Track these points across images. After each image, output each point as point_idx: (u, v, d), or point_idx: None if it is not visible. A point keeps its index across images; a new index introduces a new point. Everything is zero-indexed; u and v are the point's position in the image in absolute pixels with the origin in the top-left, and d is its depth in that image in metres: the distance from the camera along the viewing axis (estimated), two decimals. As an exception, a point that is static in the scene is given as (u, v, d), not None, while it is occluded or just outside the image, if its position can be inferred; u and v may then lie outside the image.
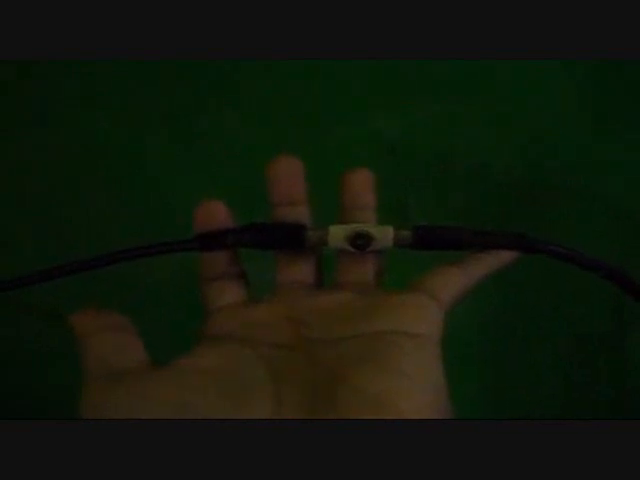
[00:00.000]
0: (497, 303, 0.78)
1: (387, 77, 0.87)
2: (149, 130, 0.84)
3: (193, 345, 0.29)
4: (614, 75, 0.89)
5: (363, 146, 0.84)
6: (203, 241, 0.30)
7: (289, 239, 0.31)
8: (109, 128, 0.83)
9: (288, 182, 0.31)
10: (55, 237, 0.78)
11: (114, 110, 0.84)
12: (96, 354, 0.27)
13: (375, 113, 0.86)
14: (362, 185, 0.32)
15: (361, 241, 0.30)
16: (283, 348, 0.28)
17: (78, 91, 0.85)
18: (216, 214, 0.30)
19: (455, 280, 0.30)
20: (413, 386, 0.26)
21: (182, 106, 0.84)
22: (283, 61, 0.81)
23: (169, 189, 0.81)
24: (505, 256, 0.31)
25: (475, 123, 0.86)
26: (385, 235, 0.31)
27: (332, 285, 0.32)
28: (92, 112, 0.83)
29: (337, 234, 0.30)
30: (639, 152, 0.86)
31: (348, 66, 0.84)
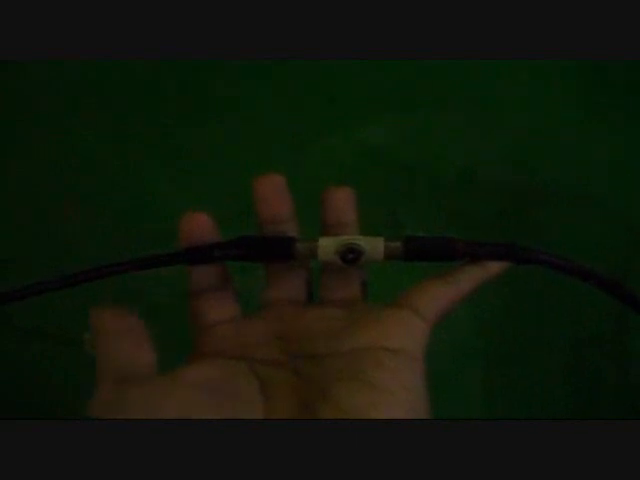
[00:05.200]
0: (500, 306, 0.78)
1: (372, 86, 0.86)
2: (133, 142, 0.83)
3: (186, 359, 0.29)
4: (600, 75, 0.88)
5: (349, 156, 0.83)
6: (192, 255, 0.30)
7: (279, 251, 0.30)
8: (94, 140, 0.82)
9: (274, 200, 0.31)
10: (45, 249, 0.77)
11: (98, 122, 0.83)
12: (110, 355, 0.27)
13: (360, 123, 0.85)
14: (344, 203, 0.32)
15: (352, 255, 0.30)
16: (273, 365, 0.28)
17: (60, 103, 0.83)
18: (201, 226, 0.30)
19: (441, 295, 0.30)
20: (393, 403, 0.26)
21: (165, 116, 0.83)
22: (267, 70, 0.81)
23: (157, 201, 0.81)
24: (494, 267, 0.31)
25: (461, 128, 0.85)
26: (375, 248, 0.30)
27: (320, 300, 0.32)
28: (75, 124, 0.82)
29: (327, 247, 0.30)
30: (626, 152, 0.86)
31: (335, 75, 0.83)
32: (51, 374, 0.71)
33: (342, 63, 0.82)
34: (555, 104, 0.88)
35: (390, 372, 0.27)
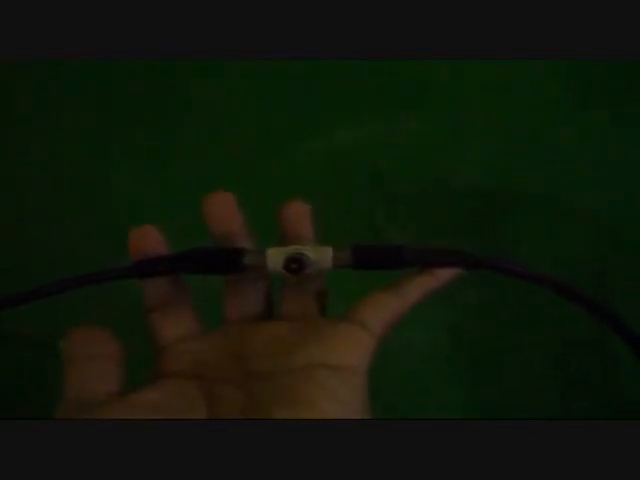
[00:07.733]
0: (484, 309, 0.77)
1: (349, 91, 0.85)
2: (115, 148, 0.83)
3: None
4: (581, 76, 0.86)
5: (324, 160, 0.82)
6: (141, 268, 0.30)
7: (227, 262, 0.30)
8: (74, 146, 0.82)
9: (224, 218, 0.31)
10: (44, 258, 0.78)
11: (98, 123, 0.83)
12: (74, 380, 0.28)
13: (335, 125, 0.84)
14: (299, 217, 0.32)
15: (295, 265, 0.30)
16: (227, 384, 0.28)
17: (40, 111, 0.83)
18: (147, 239, 0.30)
19: (388, 307, 0.30)
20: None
21: (146, 123, 0.83)
22: (248, 72, 0.80)
23: (134, 208, 0.80)
24: (444, 275, 0.31)
25: (440, 133, 0.84)
26: (323, 256, 0.30)
27: (279, 315, 0.32)
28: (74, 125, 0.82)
29: (275, 257, 0.30)
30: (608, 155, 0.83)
31: (314, 79, 0.83)
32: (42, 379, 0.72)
33: (319, 64, 0.81)
34: (537, 106, 0.86)
35: (330, 392, 0.27)
